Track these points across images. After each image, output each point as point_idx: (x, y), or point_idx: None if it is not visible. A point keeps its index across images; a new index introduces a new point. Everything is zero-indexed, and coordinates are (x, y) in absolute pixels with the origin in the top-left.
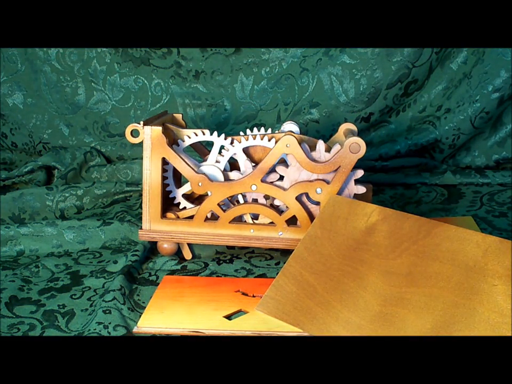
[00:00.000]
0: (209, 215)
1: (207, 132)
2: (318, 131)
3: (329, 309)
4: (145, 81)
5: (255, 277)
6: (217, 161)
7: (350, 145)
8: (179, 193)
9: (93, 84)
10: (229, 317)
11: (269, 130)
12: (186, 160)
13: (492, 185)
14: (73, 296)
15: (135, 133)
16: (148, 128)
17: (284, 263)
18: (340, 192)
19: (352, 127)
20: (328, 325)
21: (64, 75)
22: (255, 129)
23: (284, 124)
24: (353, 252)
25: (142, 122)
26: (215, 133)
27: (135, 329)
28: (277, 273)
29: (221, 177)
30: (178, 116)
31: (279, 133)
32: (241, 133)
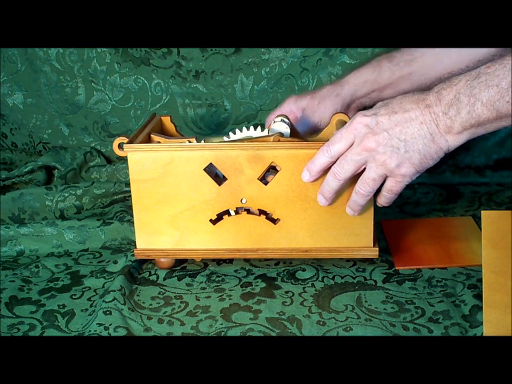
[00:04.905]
0: None
1: (193, 140)
2: None
3: None
4: (145, 81)
5: (255, 277)
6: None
7: (336, 122)
8: None
9: (93, 84)
10: None
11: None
12: None
13: (490, 185)
14: (73, 296)
15: (122, 146)
16: (130, 154)
17: (284, 263)
18: None
19: (344, 117)
20: None
21: (64, 75)
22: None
23: (273, 122)
24: None
25: (126, 140)
26: (203, 141)
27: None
28: (277, 273)
29: None
30: (166, 119)
31: (268, 136)
32: None
